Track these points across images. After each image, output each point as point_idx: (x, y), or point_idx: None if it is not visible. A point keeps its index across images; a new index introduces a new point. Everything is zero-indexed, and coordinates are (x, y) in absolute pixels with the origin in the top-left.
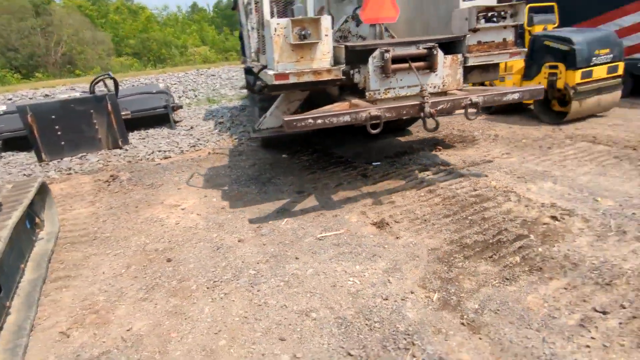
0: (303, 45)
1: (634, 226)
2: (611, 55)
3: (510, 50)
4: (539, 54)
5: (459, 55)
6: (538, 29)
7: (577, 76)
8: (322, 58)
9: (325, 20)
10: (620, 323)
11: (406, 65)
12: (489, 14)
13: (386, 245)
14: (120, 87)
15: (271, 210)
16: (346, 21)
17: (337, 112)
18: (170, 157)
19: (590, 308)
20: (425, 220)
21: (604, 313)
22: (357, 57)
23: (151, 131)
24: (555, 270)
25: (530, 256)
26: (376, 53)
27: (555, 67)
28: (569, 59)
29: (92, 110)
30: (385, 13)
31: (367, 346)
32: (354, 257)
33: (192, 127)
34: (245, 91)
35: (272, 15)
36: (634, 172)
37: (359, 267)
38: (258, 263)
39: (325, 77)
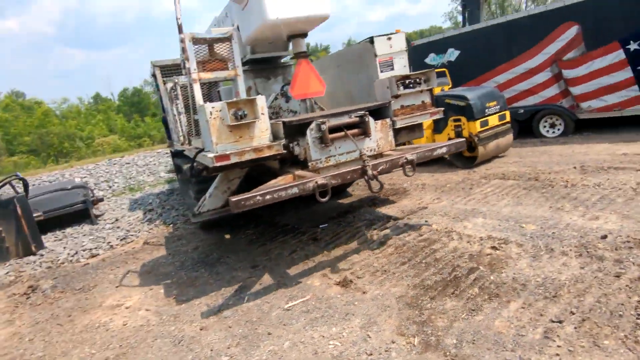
0: (241, 126)
1: (557, 243)
2: (498, 106)
3: (430, 111)
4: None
5: (387, 120)
6: (437, 90)
7: (477, 125)
8: (261, 135)
9: (260, 100)
10: (575, 328)
11: (342, 133)
12: (407, 82)
13: (356, 302)
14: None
15: (228, 290)
16: (276, 98)
17: (285, 186)
18: (98, 254)
19: (548, 320)
20: (385, 271)
21: (560, 322)
22: (295, 130)
23: (69, 230)
24: (510, 293)
25: (486, 285)
26: (313, 125)
27: (459, 120)
28: (468, 112)
29: None
30: (313, 88)
31: None
32: (328, 320)
33: (117, 219)
34: (170, 175)
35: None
36: (541, 198)
37: (336, 328)
38: (229, 348)
39: (267, 153)
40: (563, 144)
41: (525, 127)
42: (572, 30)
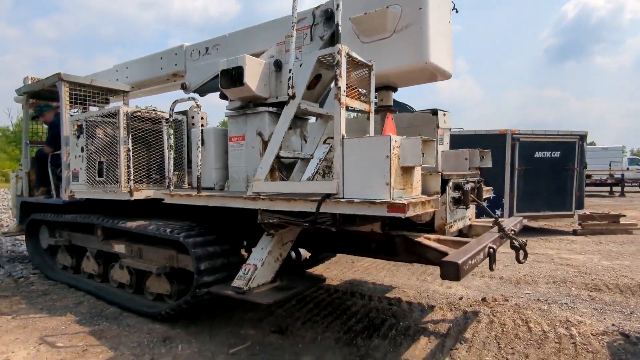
0: (407, 170)
1: (434, 302)
2: None
3: (485, 188)
4: None
5: None
6: None
7: None
8: (417, 186)
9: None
10: (466, 351)
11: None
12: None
13: (300, 345)
14: None
15: (153, 341)
16: (330, 150)
17: (477, 250)
18: None
19: (448, 348)
20: (315, 322)
21: (456, 348)
22: None
23: None
24: (418, 333)
25: (399, 329)
26: (451, 183)
27: None
28: None
29: None
30: None
31: None
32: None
33: None
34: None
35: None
36: (408, 272)
37: None
38: None
39: (428, 209)
40: None
41: None
42: None
